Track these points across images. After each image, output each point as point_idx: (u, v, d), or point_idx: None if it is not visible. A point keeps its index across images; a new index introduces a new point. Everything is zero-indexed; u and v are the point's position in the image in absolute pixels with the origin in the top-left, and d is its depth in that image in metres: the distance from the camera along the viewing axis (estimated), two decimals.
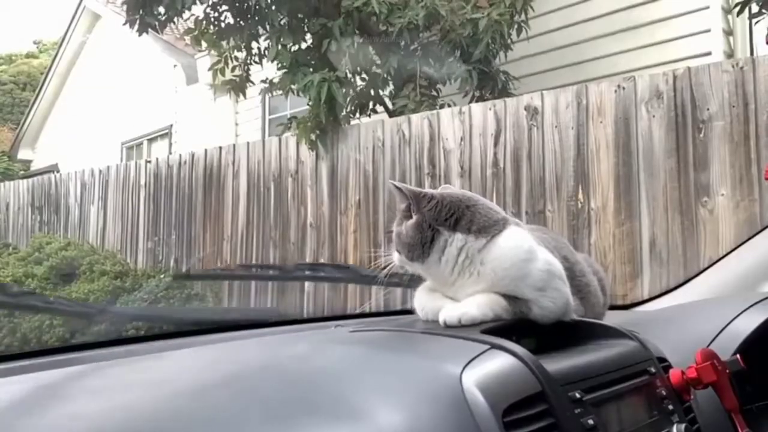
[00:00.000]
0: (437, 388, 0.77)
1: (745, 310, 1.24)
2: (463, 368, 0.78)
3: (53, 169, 10.74)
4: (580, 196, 3.70)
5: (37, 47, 19.25)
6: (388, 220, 4.64)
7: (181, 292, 5.29)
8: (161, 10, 5.38)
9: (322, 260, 5.00)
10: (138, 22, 5.50)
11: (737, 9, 4.02)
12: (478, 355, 0.81)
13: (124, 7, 5.71)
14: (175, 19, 5.69)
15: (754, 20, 4.14)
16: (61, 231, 8.19)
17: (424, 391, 0.77)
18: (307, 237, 5.15)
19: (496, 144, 4.12)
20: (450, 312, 0.99)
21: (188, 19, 6.03)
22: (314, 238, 5.09)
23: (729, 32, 4.91)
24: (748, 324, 1.20)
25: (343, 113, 5.14)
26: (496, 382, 0.78)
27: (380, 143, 4.76)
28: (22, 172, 13.01)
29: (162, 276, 5.84)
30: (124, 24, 5.62)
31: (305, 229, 5.17)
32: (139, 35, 5.68)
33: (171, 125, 9.24)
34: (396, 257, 1.08)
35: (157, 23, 5.52)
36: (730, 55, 4.82)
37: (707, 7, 4.85)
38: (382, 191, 4.71)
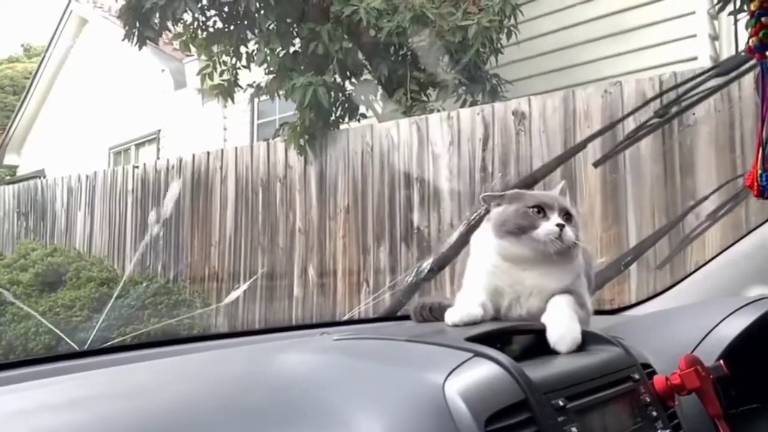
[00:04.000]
0: (420, 396, 0.77)
1: (729, 315, 1.24)
2: (446, 377, 0.78)
3: (39, 174, 10.63)
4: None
5: (25, 51, 19.10)
6: (377, 224, 4.64)
7: (168, 298, 5.26)
8: (156, 20, 5.38)
9: (311, 265, 4.99)
10: (136, 35, 5.50)
11: (719, 5, 4.07)
12: (461, 364, 0.81)
13: (117, 17, 5.71)
14: (173, 25, 5.71)
15: (738, 21, 4.18)
16: (47, 237, 8.12)
17: (407, 399, 0.77)
18: (295, 242, 5.14)
19: (484, 149, 4.13)
20: (456, 313, 1.07)
21: (178, 23, 6.02)
22: (303, 244, 5.08)
23: (715, 37, 4.95)
24: (732, 329, 1.20)
25: (332, 118, 5.14)
26: (479, 391, 0.78)
27: (369, 148, 4.76)
28: (7, 177, 12.88)
29: (148, 282, 5.82)
30: (123, 39, 5.61)
31: (294, 235, 5.16)
32: (139, 49, 5.67)
33: (159, 130, 9.19)
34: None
35: (154, 34, 5.53)
36: (716, 60, 4.86)
37: (693, 13, 4.89)
38: (371, 196, 4.71)
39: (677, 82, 3.43)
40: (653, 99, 3.34)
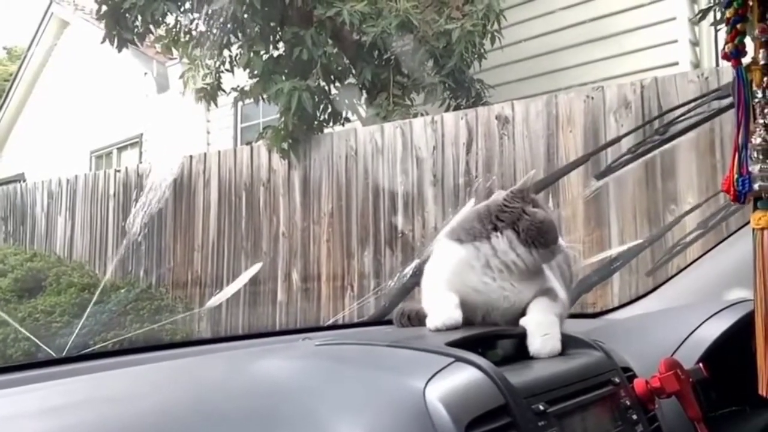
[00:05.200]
0: (400, 402, 0.76)
1: (708, 318, 1.25)
2: (427, 382, 0.77)
3: (19, 178, 10.50)
4: (551, 204, 3.73)
5: (7, 54, 18.84)
6: (362, 228, 4.63)
7: (150, 303, 5.22)
8: (138, 23, 5.35)
9: (294, 270, 4.97)
10: (116, 38, 5.46)
11: (700, 16, 4.13)
12: (442, 369, 0.81)
13: (96, 18, 5.68)
14: (155, 29, 5.68)
15: (719, 30, 4.25)
16: (26, 242, 8.03)
17: (387, 405, 0.76)
18: (279, 247, 5.12)
19: (468, 153, 4.15)
20: (437, 317, 1.03)
21: (160, 26, 5.99)
22: (286, 248, 5.06)
23: (695, 43, 5.01)
24: (711, 332, 1.21)
25: (316, 122, 5.13)
26: (459, 396, 0.77)
27: (353, 152, 4.76)
28: None
29: (130, 287, 5.77)
30: (102, 42, 5.57)
31: (277, 239, 5.14)
32: (119, 51, 5.64)
33: (141, 134, 9.13)
34: None
35: (135, 37, 5.50)
36: (696, 65, 4.91)
37: (674, 18, 4.95)
38: (355, 200, 4.70)
39: (658, 87, 3.47)
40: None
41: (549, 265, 1.14)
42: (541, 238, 1.05)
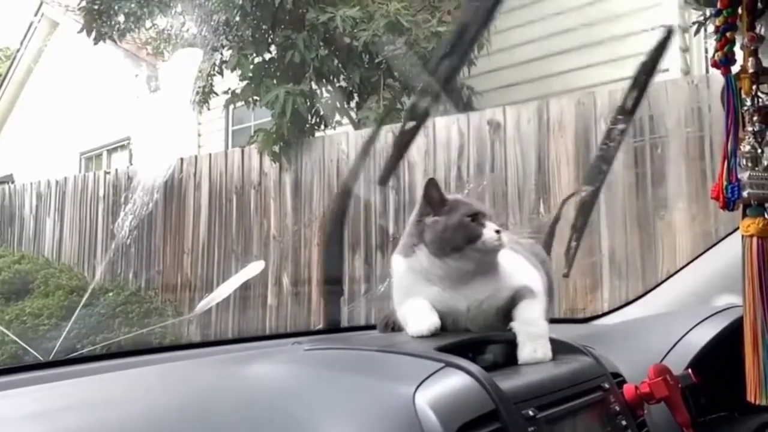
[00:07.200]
0: (390, 408, 0.76)
1: (698, 324, 1.26)
2: (417, 387, 0.77)
3: (8, 179, 10.41)
4: (542, 209, 3.75)
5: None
6: (353, 232, 4.62)
7: (139, 306, 5.19)
8: (120, 19, 5.37)
9: (285, 274, 4.96)
10: (94, 31, 5.48)
11: (695, 28, 4.16)
12: (432, 374, 0.81)
13: (78, 10, 5.72)
14: (137, 29, 5.69)
15: (707, 42, 4.29)
16: (14, 244, 7.97)
17: (377, 411, 0.76)
18: (270, 250, 5.10)
19: (459, 157, 4.16)
20: (421, 323, 1.02)
21: (150, 28, 5.99)
22: (277, 252, 5.05)
23: (686, 50, 5.04)
24: (701, 337, 1.22)
25: (307, 125, 5.13)
26: (449, 402, 0.77)
27: (345, 155, 4.75)
28: None
29: (119, 290, 5.73)
30: (80, 32, 5.58)
31: (268, 242, 5.12)
32: (95, 44, 5.66)
33: (131, 136, 9.08)
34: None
35: (116, 33, 5.51)
36: (687, 72, 4.94)
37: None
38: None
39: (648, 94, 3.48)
40: None
41: (532, 263, 1.14)
42: (446, 245, 1.05)
